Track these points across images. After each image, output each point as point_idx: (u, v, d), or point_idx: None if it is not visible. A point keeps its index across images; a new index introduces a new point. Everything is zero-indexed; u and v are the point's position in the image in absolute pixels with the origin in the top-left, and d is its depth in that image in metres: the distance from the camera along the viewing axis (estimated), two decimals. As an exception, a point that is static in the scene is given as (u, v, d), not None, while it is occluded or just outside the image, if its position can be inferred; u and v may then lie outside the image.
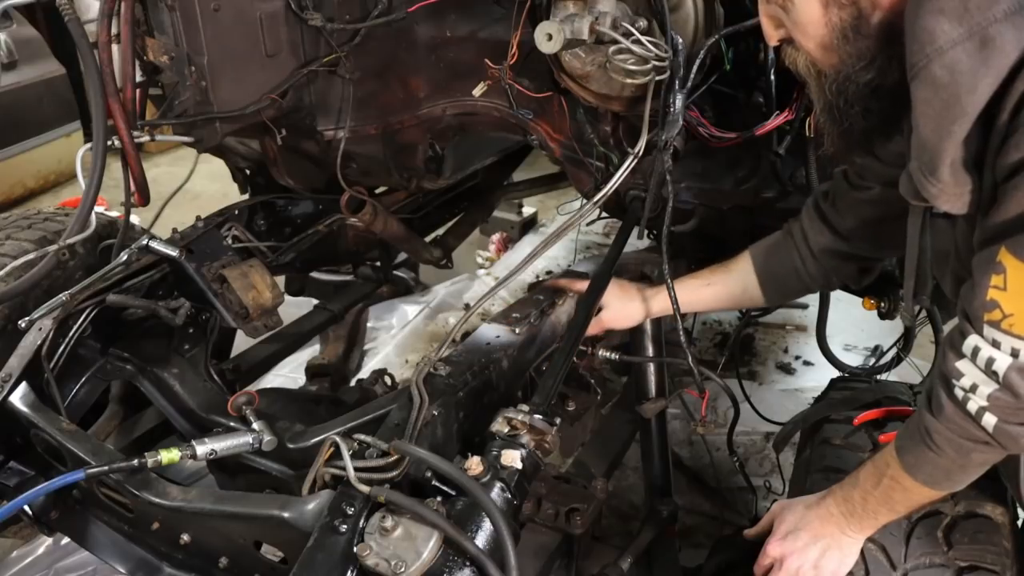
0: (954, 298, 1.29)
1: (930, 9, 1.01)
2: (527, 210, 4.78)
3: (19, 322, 1.84)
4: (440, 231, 3.35)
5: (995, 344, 1.09)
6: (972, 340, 1.12)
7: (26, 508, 1.70)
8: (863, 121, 1.23)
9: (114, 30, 1.76)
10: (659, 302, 1.83)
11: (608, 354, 1.88)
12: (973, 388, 1.13)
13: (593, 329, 1.82)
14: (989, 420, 1.13)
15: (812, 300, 2.19)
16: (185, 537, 1.58)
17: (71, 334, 1.90)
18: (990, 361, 1.09)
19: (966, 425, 1.17)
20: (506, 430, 1.46)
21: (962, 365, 1.14)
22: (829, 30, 1.17)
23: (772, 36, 1.31)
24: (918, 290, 1.36)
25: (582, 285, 1.89)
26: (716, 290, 1.78)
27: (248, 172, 2.70)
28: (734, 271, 1.78)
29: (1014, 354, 1.07)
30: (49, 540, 2.47)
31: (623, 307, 1.83)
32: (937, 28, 1.00)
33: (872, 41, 1.15)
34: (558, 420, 1.50)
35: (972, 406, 1.14)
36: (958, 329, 1.16)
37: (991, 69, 0.99)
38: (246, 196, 2.70)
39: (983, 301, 1.08)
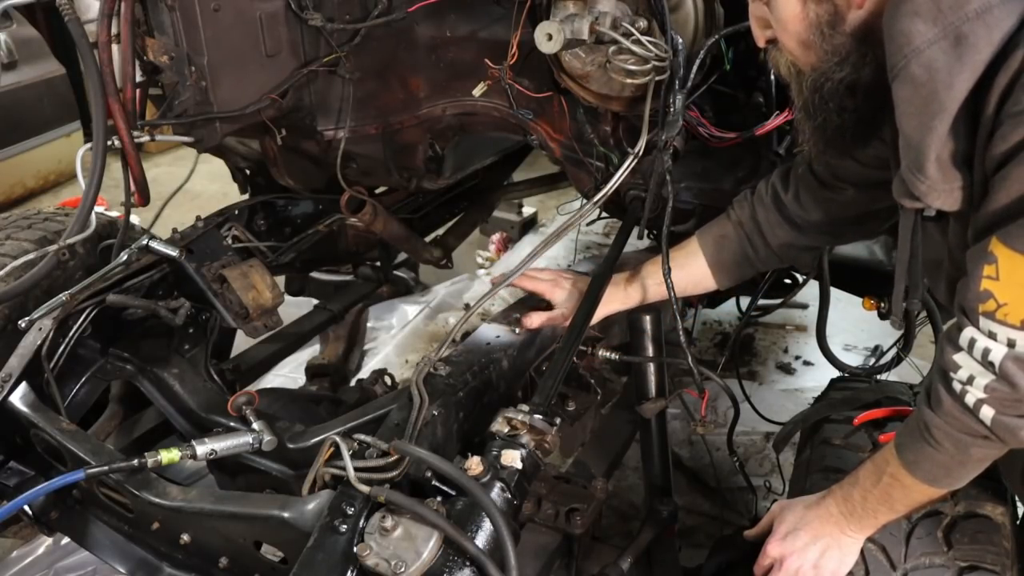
0: (949, 305, 1.31)
1: (906, 12, 1.05)
2: (527, 210, 4.78)
3: (19, 322, 1.84)
4: (440, 231, 3.35)
5: (991, 335, 1.09)
6: (968, 332, 1.12)
7: (26, 508, 1.70)
8: (837, 118, 1.26)
9: (114, 30, 1.76)
10: (620, 299, 1.83)
11: (608, 354, 1.88)
12: (970, 380, 1.14)
13: (541, 322, 1.85)
14: (987, 413, 1.13)
15: (812, 300, 2.19)
16: (185, 537, 1.58)
17: (71, 334, 1.90)
18: (986, 352, 1.10)
19: (964, 419, 1.17)
20: (506, 430, 1.46)
21: (959, 358, 1.15)
22: (806, 26, 1.21)
23: (760, 37, 1.36)
24: (910, 293, 1.36)
25: (539, 286, 1.90)
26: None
27: (248, 172, 2.70)
28: (685, 265, 1.78)
29: (1010, 344, 1.07)
30: (49, 540, 2.47)
31: (574, 305, 1.83)
32: (913, 29, 1.04)
33: (847, 38, 1.19)
34: (558, 420, 1.50)
35: (970, 399, 1.14)
36: (955, 323, 1.17)
37: (966, 65, 1.02)
38: (246, 196, 2.70)
39: (977, 292, 1.09)
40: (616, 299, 1.83)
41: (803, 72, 1.28)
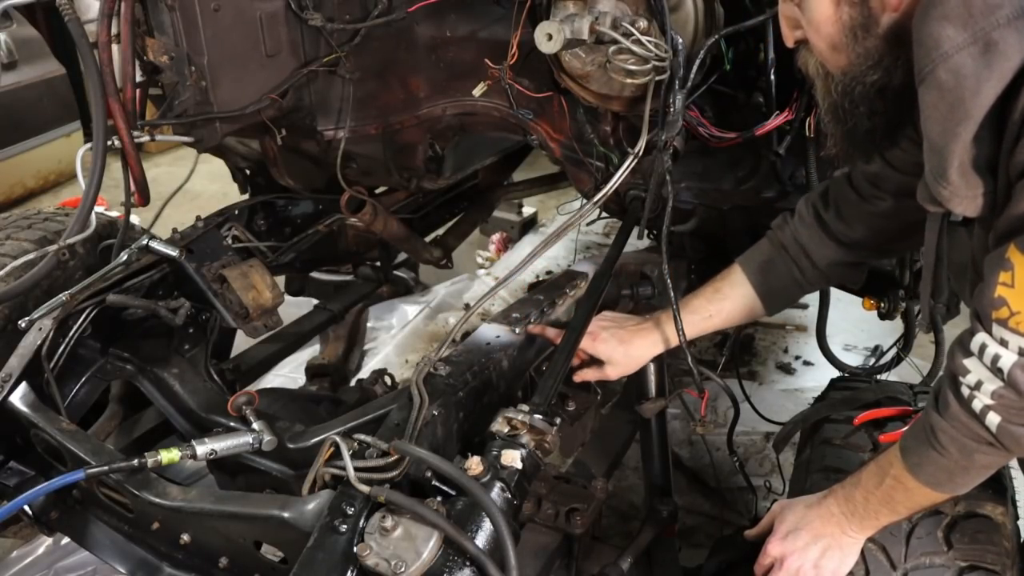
0: None
1: (936, 16, 1.04)
2: (527, 210, 4.78)
3: (19, 322, 1.84)
4: (440, 231, 3.35)
5: (1002, 342, 1.09)
6: (980, 337, 1.12)
7: (26, 508, 1.70)
8: (868, 122, 1.25)
9: (114, 30, 1.76)
10: (661, 340, 1.75)
11: (608, 354, 1.87)
12: (978, 385, 1.13)
13: (596, 378, 1.77)
14: (993, 419, 1.13)
15: (812, 300, 2.19)
16: (185, 537, 1.58)
17: (71, 334, 1.90)
18: (996, 358, 1.10)
19: (970, 424, 1.17)
20: (506, 430, 1.46)
21: (969, 362, 1.15)
22: (839, 28, 1.20)
23: (789, 37, 1.34)
24: (934, 296, 1.36)
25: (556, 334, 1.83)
26: (720, 319, 1.74)
27: (248, 172, 2.70)
28: (732, 296, 1.73)
29: (1021, 352, 1.07)
30: (49, 540, 2.47)
31: (628, 362, 1.75)
32: (942, 34, 1.03)
33: (880, 41, 1.17)
34: (558, 420, 1.50)
35: (977, 404, 1.14)
36: (969, 328, 1.17)
37: (994, 72, 1.01)
38: (246, 196, 2.70)
39: (991, 298, 1.09)
40: (658, 342, 1.75)
41: (831, 74, 1.27)
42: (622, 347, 1.75)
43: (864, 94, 1.22)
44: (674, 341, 1.72)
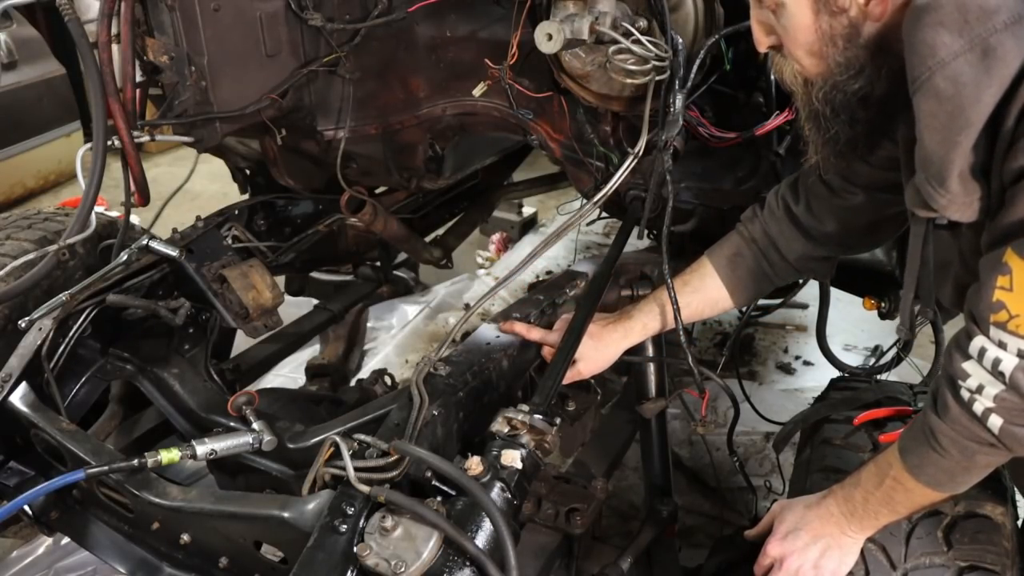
0: (953, 308, 1.29)
1: (929, 22, 1.02)
2: (527, 210, 4.78)
3: (19, 322, 1.84)
4: (440, 231, 3.35)
5: (1001, 345, 1.09)
6: (979, 341, 1.12)
7: (26, 508, 1.70)
8: (849, 130, 1.25)
9: (114, 30, 1.76)
10: (632, 335, 1.76)
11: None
12: (979, 389, 1.13)
13: (570, 379, 1.75)
14: (995, 422, 1.13)
15: (812, 300, 2.19)
16: (185, 537, 1.58)
17: (71, 334, 1.90)
18: (996, 362, 1.09)
19: (972, 427, 1.16)
20: (506, 430, 1.46)
21: (968, 366, 1.14)
22: (818, 37, 1.19)
23: (762, 42, 1.33)
24: (921, 301, 1.36)
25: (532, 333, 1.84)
26: (688, 312, 1.73)
27: (248, 172, 2.70)
28: (700, 288, 1.73)
29: (1020, 355, 1.07)
30: (49, 540, 2.47)
31: (598, 356, 1.75)
32: (938, 41, 1.02)
33: (862, 51, 1.17)
34: (558, 420, 1.50)
35: (978, 407, 1.14)
36: (964, 331, 1.17)
37: (994, 79, 1.00)
38: (246, 196, 2.70)
39: (989, 302, 1.09)
40: (628, 332, 1.75)
41: (810, 81, 1.26)
42: (591, 341, 1.74)
43: (845, 103, 1.21)
44: (646, 331, 1.74)
